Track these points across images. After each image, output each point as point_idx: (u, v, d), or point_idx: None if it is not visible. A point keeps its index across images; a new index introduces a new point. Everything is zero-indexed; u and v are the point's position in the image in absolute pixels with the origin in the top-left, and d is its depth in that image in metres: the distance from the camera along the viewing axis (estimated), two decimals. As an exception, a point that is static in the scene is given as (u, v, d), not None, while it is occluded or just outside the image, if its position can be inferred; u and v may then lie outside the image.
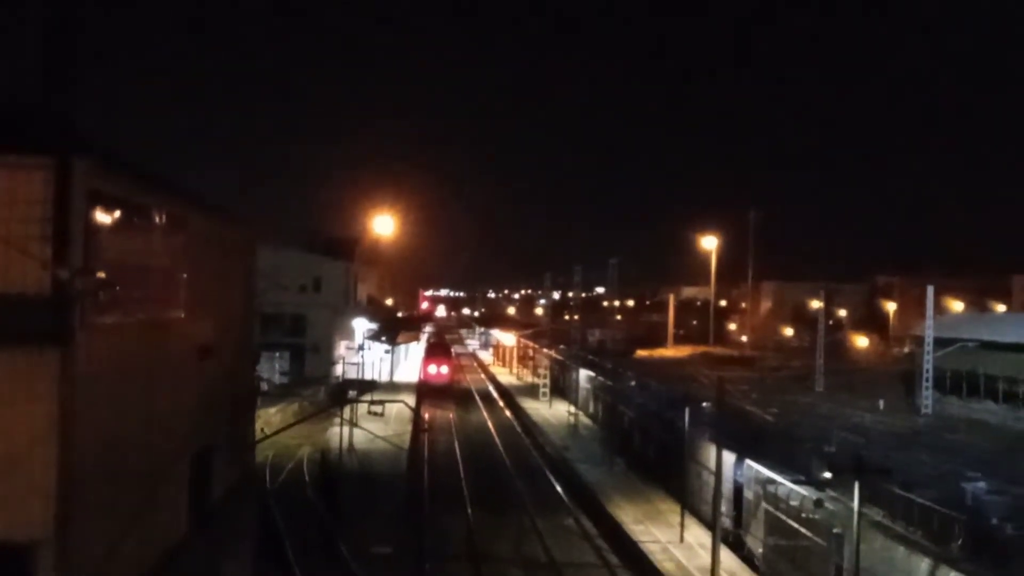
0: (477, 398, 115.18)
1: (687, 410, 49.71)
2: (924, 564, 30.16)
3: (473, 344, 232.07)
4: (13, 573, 18.39)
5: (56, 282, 18.19)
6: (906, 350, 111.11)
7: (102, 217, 20.13)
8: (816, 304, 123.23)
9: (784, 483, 40.58)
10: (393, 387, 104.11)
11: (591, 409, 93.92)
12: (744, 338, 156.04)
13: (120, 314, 21.34)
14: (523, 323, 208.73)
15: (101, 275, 19.85)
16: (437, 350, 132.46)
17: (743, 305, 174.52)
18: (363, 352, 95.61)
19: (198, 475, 27.90)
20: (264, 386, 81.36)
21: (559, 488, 62.93)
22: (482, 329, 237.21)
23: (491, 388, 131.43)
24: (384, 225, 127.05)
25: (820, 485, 35.35)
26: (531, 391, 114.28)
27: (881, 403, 79.16)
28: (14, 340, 18.37)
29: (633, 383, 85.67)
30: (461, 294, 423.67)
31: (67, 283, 18.14)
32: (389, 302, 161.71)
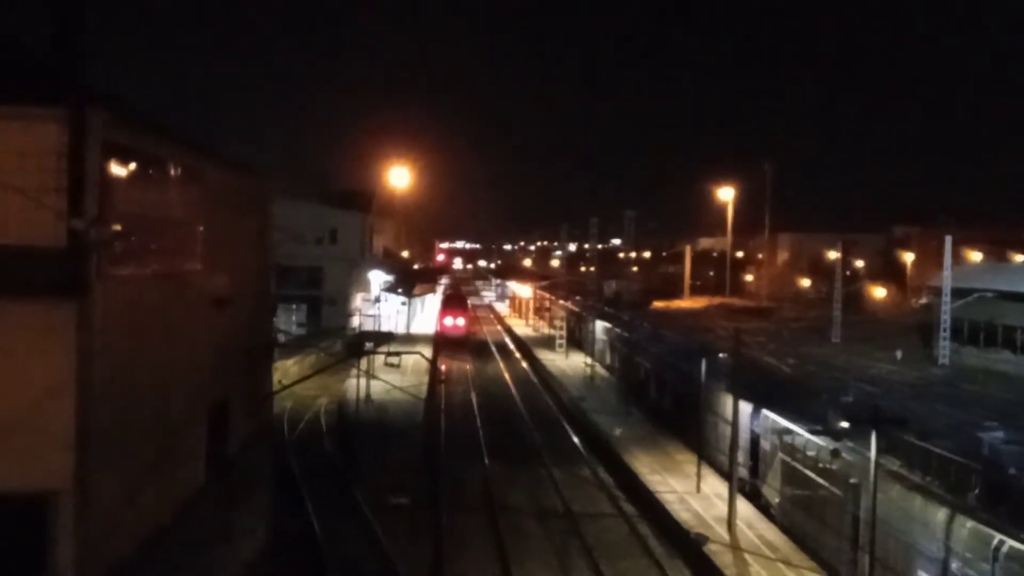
0: (493, 349, 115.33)
1: (704, 361, 49.67)
2: (941, 514, 30.14)
3: (489, 296, 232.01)
4: (32, 523, 18.52)
5: (72, 233, 18.20)
6: (923, 301, 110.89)
7: (117, 169, 20.10)
8: (833, 255, 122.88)
9: (801, 433, 40.56)
10: (410, 339, 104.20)
11: (607, 360, 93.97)
12: (761, 289, 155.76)
13: (136, 265, 21.36)
14: (539, 275, 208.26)
15: (116, 226, 19.86)
16: (453, 302, 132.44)
17: (760, 256, 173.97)
18: (380, 304, 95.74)
19: (215, 426, 28.00)
20: (281, 338, 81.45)
21: (575, 438, 63.05)
22: (498, 281, 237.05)
23: (507, 339, 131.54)
24: (400, 177, 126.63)
25: (837, 435, 35.33)
26: (547, 342, 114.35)
27: (898, 354, 79.15)
28: (31, 292, 18.41)
29: (649, 334, 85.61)
30: (477, 246, 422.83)
31: (82, 234, 18.15)
32: (405, 254, 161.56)
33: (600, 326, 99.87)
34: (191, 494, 25.46)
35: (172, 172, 23.91)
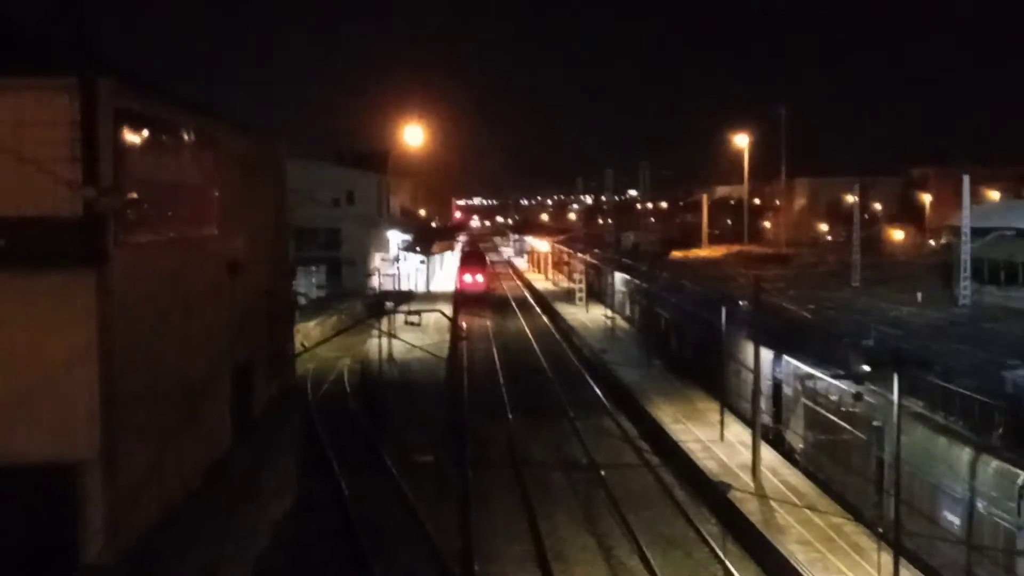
0: (513, 305, 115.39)
1: (724, 309, 49.59)
2: (965, 454, 30.12)
3: (508, 251, 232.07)
4: (60, 493, 18.67)
5: (87, 202, 18.24)
6: (943, 241, 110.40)
7: (130, 136, 20.12)
8: (850, 199, 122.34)
9: (823, 378, 40.52)
10: (430, 297, 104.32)
11: (627, 312, 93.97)
12: (779, 236, 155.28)
13: (153, 232, 21.42)
14: (557, 229, 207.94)
15: (132, 194, 19.90)
16: (472, 259, 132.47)
17: (777, 202, 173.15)
18: (398, 263, 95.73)
19: (239, 390, 28.16)
20: (302, 300, 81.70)
21: (598, 391, 63.14)
22: (516, 236, 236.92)
23: (527, 294, 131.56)
24: (414, 136, 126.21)
25: (859, 379, 35.26)
26: (567, 296, 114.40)
27: (919, 295, 78.88)
28: (50, 263, 18.48)
29: (669, 285, 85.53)
30: (494, 202, 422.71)
31: (98, 203, 18.19)
32: (422, 213, 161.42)
33: (619, 278, 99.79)
34: (217, 457, 25.64)
35: (185, 138, 23.93)
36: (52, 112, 18.52)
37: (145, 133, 20.97)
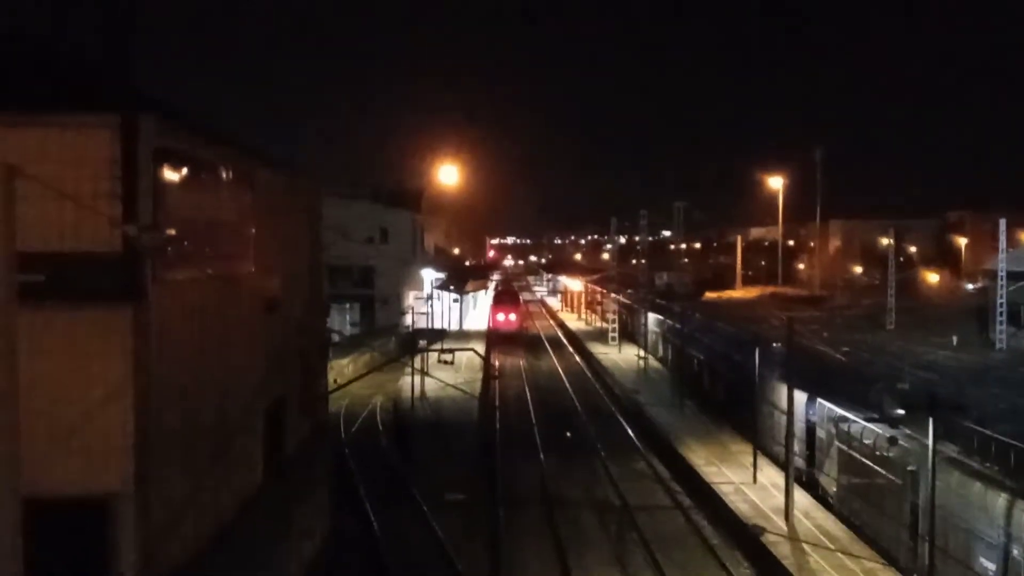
0: (546, 344, 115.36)
1: (757, 351, 49.46)
2: (1001, 499, 29.90)
3: (541, 291, 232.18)
4: (93, 526, 18.77)
5: (126, 239, 18.43)
6: (979, 285, 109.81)
7: (169, 174, 20.34)
8: (885, 241, 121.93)
9: (857, 421, 40.32)
10: (463, 335, 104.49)
11: (660, 352, 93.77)
12: (813, 278, 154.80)
13: (190, 269, 21.60)
14: (590, 269, 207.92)
15: (171, 231, 20.09)
16: (505, 297, 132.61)
17: (811, 244, 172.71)
18: (432, 302, 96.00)
19: (272, 426, 28.26)
20: (335, 337, 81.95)
21: (630, 431, 62.99)
22: (549, 275, 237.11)
23: (560, 334, 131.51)
24: (449, 175, 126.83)
25: (893, 422, 35.10)
26: (600, 336, 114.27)
27: (954, 339, 78.48)
28: (89, 297, 18.66)
29: (702, 325, 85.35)
30: (527, 241, 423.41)
31: (137, 240, 18.37)
32: (456, 251, 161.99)
33: (652, 318, 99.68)
34: (250, 493, 25.71)
35: (223, 175, 24.15)
36: (94, 149, 18.75)
37: (184, 171, 21.20)
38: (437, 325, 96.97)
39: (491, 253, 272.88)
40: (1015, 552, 28.82)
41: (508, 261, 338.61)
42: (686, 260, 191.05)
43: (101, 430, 18.65)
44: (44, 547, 18.03)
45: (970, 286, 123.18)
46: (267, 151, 30.17)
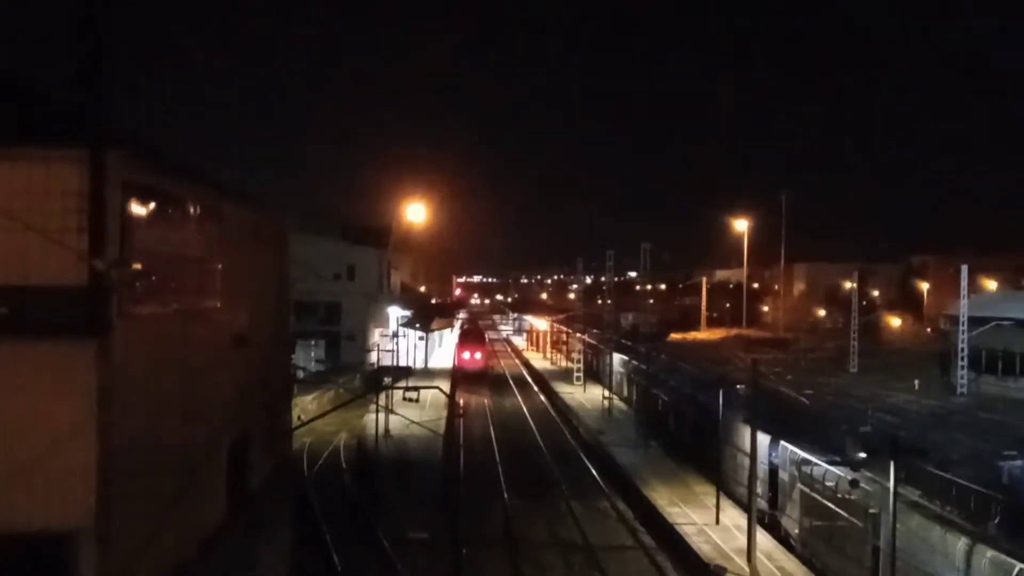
0: (511, 383, 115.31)
1: (721, 393, 49.66)
2: (961, 543, 30.09)
3: (507, 329, 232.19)
4: (53, 562, 18.62)
5: (93, 273, 18.37)
6: (941, 329, 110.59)
7: (137, 208, 20.30)
8: (849, 285, 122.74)
9: (819, 464, 40.55)
10: (428, 373, 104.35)
11: (625, 393, 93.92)
12: (777, 320, 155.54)
13: (156, 304, 21.52)
14: (556, 308, 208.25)
15: (137, 266, 20.04)
16: (471, 336, 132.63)
17: (776, 287, 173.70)
18: (397, 339, 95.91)
19: (235, 463, 28.11)
20: (300, 374, 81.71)
21: (594, 471, 63.00)
22: (515, 315, 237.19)
23: (525, 373, 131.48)
24: (416, 213, 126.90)
25: (855, 465, 35.31)
26: (565, 375, 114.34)
27: (916, 383, 78.95)
28: (52, 331, 18.56)
29: (667, 366, 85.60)
30: (494, 280, 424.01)
31: (103, 274, 18.31)
32: (423, 289, 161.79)
33: (617, 358, 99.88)
34: (212, 530, 25.55)
35: (191, 210, 24.12)
36: (61, 182, 18.69)
37: (152, 205, 21.17)
38: (403, 363, 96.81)
39: (458, 291, 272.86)
40: (975, 596, 28.99)
41: (475, 300, 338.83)
42: (652, 301, 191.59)
43: (63, 466, 18.52)
44: (4, 582, 17.93)
45: (931, 331, 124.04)
46: (235, 187, 30.11)
